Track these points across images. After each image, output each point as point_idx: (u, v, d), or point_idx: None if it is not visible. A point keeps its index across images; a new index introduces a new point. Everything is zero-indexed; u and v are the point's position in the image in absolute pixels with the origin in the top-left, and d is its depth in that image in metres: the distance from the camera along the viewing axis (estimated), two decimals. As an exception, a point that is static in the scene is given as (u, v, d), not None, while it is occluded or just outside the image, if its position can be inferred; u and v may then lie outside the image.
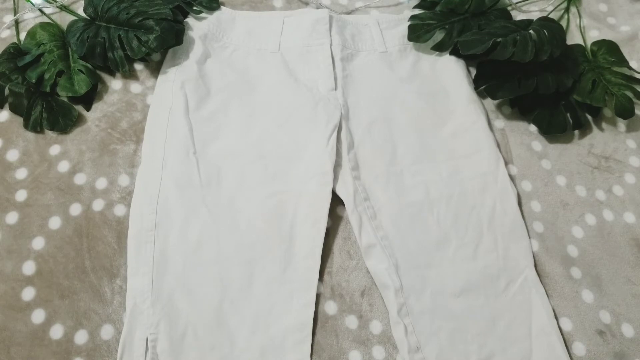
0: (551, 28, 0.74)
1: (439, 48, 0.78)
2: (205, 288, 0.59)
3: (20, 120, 0.69)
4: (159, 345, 0.56)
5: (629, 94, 0.76)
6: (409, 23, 0.78)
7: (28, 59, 0.70)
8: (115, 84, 0.74)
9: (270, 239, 0.62)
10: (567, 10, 0.88)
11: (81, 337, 0.58)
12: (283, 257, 0.61)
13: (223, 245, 0.61)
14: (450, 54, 0.78)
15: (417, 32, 0.78)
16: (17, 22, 0.77)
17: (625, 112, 0.75)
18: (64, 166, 0.67)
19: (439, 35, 0.78)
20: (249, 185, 0.65)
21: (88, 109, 0.71)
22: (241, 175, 0.65)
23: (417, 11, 0.83)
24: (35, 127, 0.68)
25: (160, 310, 0.57)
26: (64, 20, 0.76)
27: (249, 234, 0.62)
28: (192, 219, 0.62)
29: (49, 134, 0.69)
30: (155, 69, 0.75)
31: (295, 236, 0.63)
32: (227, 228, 0.62)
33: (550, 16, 0.84)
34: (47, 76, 0.69)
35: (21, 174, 0.66)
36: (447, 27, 0.78)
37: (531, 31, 0.73)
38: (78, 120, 0.70)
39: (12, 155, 0.67)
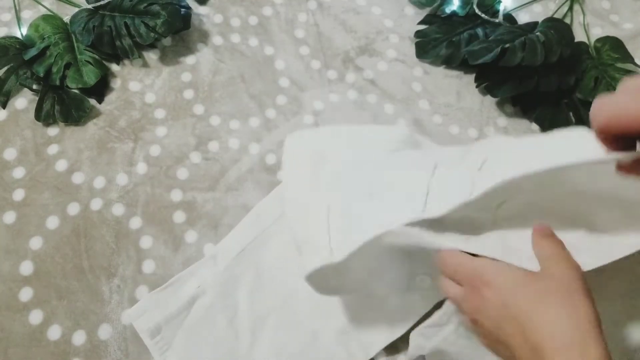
0: (558, 28, 0.73)
1: (448, 62, 0.77)
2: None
3: (17, 119, 0.69)
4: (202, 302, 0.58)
5: (633, 91, 0.75)
6: (415, 40, 0.78)
7: (33, 52, 0.69)
8: (114, 82, 0.73)
9: (329, 309, 0.60)
10: (570, 8, 0.87)
11: (79, 338, 0.58)
12: (341, 328, 0.60)
13: (282, 315, 0.60)
14: (460, 65, 0.78)
15: (424, 49, 0.78)
16: (17, 15, 0.76)
17: (628, 109, 0.74)
18: (61, 165, 0.67)
19: (446, 50, 0.77)
20: None
21: (100, 101, 0.71)
22: None
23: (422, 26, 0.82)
24: (47, 119, 0.68)
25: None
26: (62, 12, 0.76)
27: (308, 302, 0.60)
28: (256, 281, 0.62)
29: (46, 132, 0.68)
30: (154, 67, 0.74)
31: None
32: (287, 297, 0.61)
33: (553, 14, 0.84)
34: (55, 69, 0.69)
35: (18, 173, 0.66)
36: (454, 39, 0.78)
37: (538, 33, 0.72)
38: (91, 112, 0.70)
39: (10, 154, 0.67)
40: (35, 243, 0.62)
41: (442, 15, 0.81)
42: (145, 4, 0.71)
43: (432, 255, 0.46)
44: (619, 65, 0.77)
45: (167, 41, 0.76)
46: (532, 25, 0.77)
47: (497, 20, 0.80)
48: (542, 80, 0.72)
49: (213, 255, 0.62)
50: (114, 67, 0.74)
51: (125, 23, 0.71)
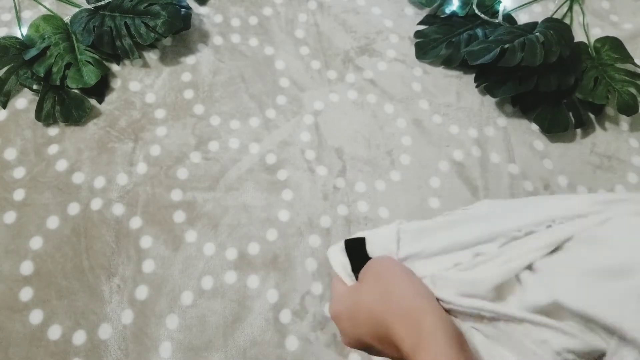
0: (557, 28, 0.73)
1: (448, 62, 0.78)
2: None
3: (17, 119, 0.69)
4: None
5: (633, 90, 0.75)
6: (415, 41, 0.78)
7: (34, 52, 0.69)
8: (114, 82, 0.73)
9: None
10: (570, 8, 0.87)
11: (79, 338, 0.58)
12: None
13: None
14: (460, 65, 0.78)
15: (424, 49, 0.78)
16: (18, 16, 0.76)
17: (628, 108, 0.74)
18: (62, 165, 0.67)
19: (446, 51, 0.78)
20: None
21: (100, 101, 0.71)
22: None
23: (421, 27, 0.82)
24: (47, 119, 0.68)
25: None
26: (62, 12, 0.76)
27: None
28: None
29: (47, 132, 0.68)
30: (154, 67, 0.74)
31: None
32: None
33: (553, 14, 0.84)
34: (55, 69, 0.69)
35: (19, 173, 0.66)
36: (453, 40, 0.78)
37: (538, 33, 0.72)
38: (92, 112, 0.70)
39: (10, 154, 0.67)
40: (36, 243, 0.62)
41: (442, 16, 0.81)
42: (145, 4, 0.72)
43: None
44: (619, 65, 0.77)
45: (167, 41, 0.76)
46: (531, 26, 0.77)
47: (496, 21, 0.80)
48: (542, 80, 0.72)
49: None
50: (114, 67, 0.74)
51: (126, 23, 0.72)
